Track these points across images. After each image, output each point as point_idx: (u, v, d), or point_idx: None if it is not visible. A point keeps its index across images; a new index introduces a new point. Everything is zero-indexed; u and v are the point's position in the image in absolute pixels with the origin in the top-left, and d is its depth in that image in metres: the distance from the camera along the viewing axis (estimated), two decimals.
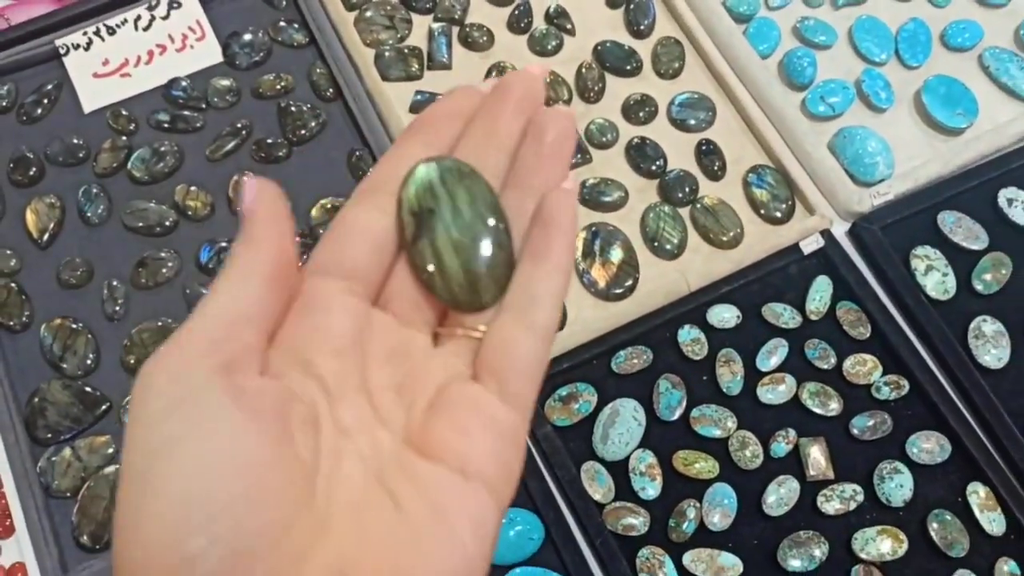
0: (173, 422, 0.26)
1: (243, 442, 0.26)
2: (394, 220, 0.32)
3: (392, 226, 0.32)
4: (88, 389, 0.66)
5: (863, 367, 0.67)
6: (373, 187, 0.33)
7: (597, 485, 0.64)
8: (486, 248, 0.32)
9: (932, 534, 0.62)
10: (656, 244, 0.72)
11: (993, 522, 0.63)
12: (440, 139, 0.34)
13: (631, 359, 0.68)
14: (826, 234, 0.72)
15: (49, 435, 0.65)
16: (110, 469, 0.63)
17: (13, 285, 0.70)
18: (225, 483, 0.26)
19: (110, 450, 0.64)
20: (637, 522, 0.63)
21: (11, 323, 0.68)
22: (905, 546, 0.62)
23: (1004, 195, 0.74)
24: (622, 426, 0.65)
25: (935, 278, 0.70)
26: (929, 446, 0.65)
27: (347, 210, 0.32)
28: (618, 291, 0.70)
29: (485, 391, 0.31)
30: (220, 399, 0.27)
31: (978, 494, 0.63)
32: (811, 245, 0.71)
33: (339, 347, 0.31)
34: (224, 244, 0.71)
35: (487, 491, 0.30)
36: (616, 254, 0.71)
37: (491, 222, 0.32)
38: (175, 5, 0.80)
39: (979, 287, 0.70)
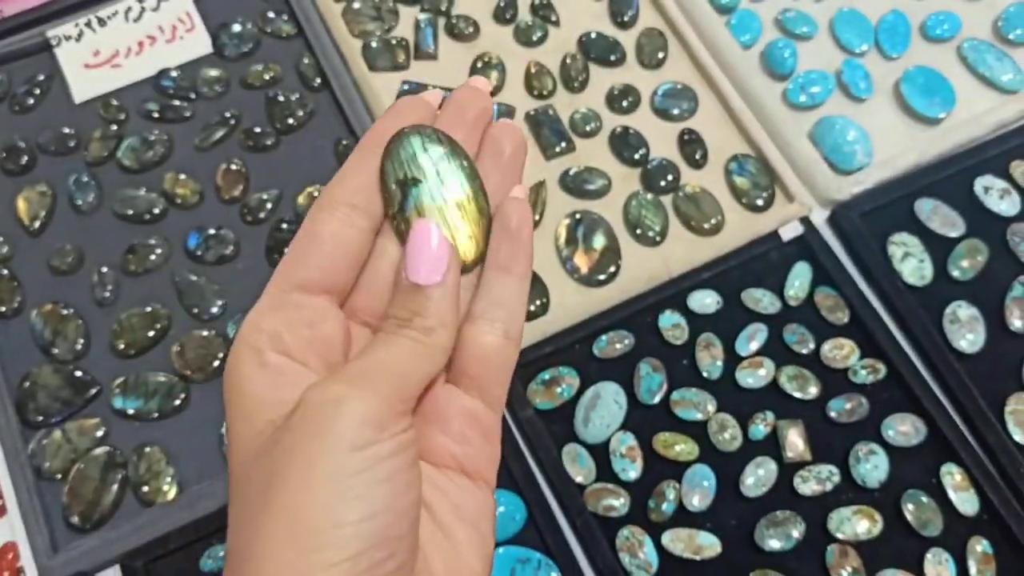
0: (357, 477, 0.29)
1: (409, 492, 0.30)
2: (363, 235, 0.34)
3: (362, 240, 0.34)
4: (78, 373, 0.67)
5: (840, 351, 0.68)
6: (344, 199, 0.34)
7: (578, 467, 0.65)
8: (466, 216, 0.34)
9: (907, 514, 0.63)
10: (638, 231, 0.73)
11: (966, 503, 0.64)
12: None
13: (613, 343, 0.69)
14: (805, 221, 0.73)
15: (40, 418, 0.66)
16: (99, 451, 0.64)
17: (4, 271, 0.71)
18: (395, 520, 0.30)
19: (99, 433, 0.65)
20: (618, 503, 0.64)
21: (2, 309, 0.69)
22: (880, 526, 0.63)
23: (981, 183, 0.75)
24: (603, 409, 0.66)
25: (912, 264, 0.71)
26: (905, 429, 0.66)
27: (323, 224, 0.33)
28: (601, 277, 0.71)
29: (468, 397, 0.34)
30: (398, 459, 0.30)
31: (952, 475, 0.64)
32: (790, 232, 0.72)
33: (333, 362, 0.33)
34: (212, 232, 0.72)
35: (488, 487, 0.34)
36: (599, 241, 0.72)
37: (471, 191, 0.34)
38: None
39: (955, 273, 0.71)
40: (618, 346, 0.69)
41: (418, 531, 0.31)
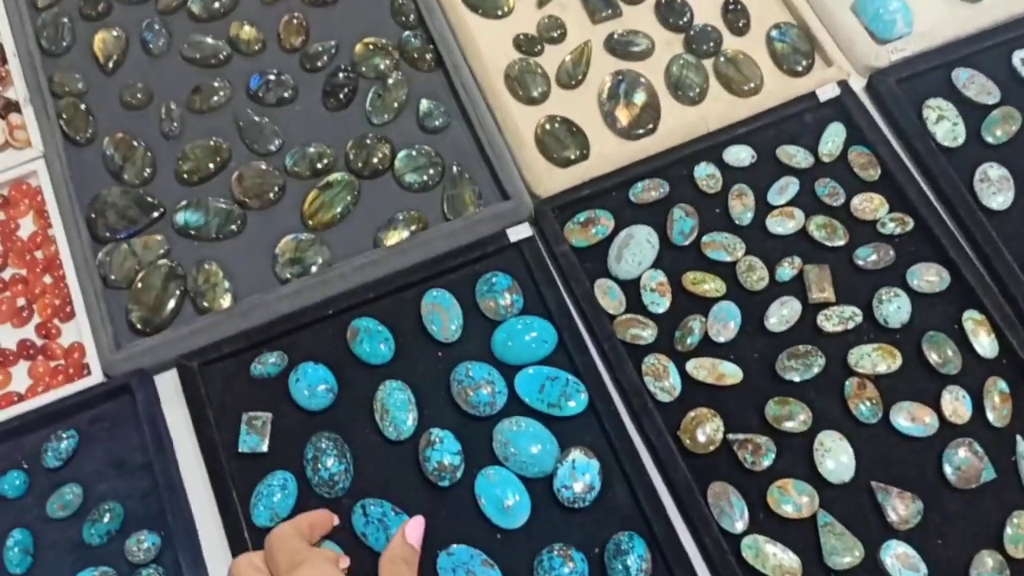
0: None
1: None
2: None
3: None
4: (145, 196, 0.72)
5: (870, 204, 0.70)
6: None
7: (609, 299, 0.68)
8: None
9: (926, 353, 0.65)
10: (679, 91, 0.75)
11: (986, 346, 0.65)
12: None
13: (648, 190, 0.72)
14: (843, 84, 0.74)
15: (108, 233, 0.71)
16: (162, 263, 0.69)
17: (81, 105, 0.75)
18: None
19: (162, 248, 0.70)
20: (645, 333, 0.66)
21: (77, 136, 0.74)
22: (899, 362, 0.64)
23: (1018, 56, 0.75)
24: (636, 248, 0.69)
25: (945, 127, 0.73)
26: (930, 277, 0.67)
27: None
28: (639, 131, 0.74)
29: None
30: None
31: (973, 319, 0.66)
32: (827, 93, 0.74)
33: None
34: (272, 76, 0.76)
35: None
36: (640, 97, 0.75)
37: None
38: None
39: (988, 139, 0.72)
40: (653, 193, 0.71)
41: None
